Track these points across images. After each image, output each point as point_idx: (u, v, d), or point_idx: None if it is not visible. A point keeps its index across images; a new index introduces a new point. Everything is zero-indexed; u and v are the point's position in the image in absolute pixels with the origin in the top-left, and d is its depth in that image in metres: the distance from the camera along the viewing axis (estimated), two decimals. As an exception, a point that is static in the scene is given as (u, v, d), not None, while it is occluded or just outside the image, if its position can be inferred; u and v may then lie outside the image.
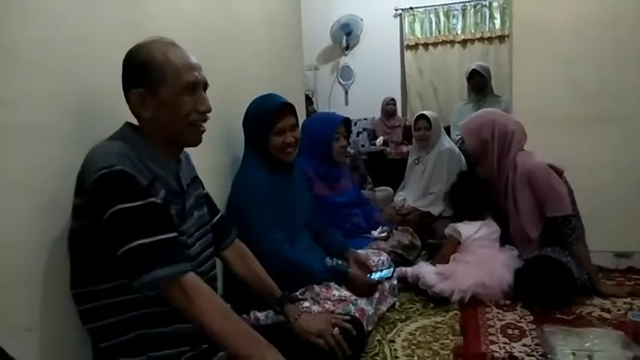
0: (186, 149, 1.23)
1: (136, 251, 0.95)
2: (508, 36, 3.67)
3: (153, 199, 1.00)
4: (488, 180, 2.29)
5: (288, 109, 1.78)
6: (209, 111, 1.15)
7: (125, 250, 0.95)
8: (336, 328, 1.35)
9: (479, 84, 3.60)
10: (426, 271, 2.16)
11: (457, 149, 3.18)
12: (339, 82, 5.66)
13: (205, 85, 1.15)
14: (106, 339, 1.06)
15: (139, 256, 0.95)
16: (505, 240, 2.29)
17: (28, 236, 1.01)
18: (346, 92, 5.66)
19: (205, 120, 1.15)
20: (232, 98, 1.89)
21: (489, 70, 3.67)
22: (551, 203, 2.12)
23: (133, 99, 1.09)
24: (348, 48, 5.51)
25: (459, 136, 3.36)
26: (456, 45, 5.37)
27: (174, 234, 1.01)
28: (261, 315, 1.56)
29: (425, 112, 3.27)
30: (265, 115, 1.73)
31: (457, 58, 5.35)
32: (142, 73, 1.08)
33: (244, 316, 1.56)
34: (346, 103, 5.62)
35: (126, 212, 0.96)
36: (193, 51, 1.18)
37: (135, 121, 1.14)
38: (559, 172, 2.19)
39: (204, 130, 1.16)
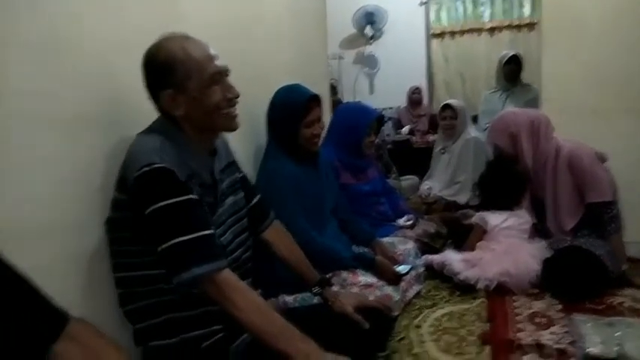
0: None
1: (175, 249, 0.98)
2: (537, 23, 3.59)
3: (191, 196, 1.03)
4: (524, 171, 2.26)
5: (316, 100, 1.79)
6: (238, 96, 1.16)
7: (164, 247, 0.98)
8: (371, 296, 1.40)
9: (514, 71, 3.53)
10: (452, 258, 2.16)
11: (483, 138, 3.15)
12: (364, 71, 5.62)
13: (227, 72, 1.16)
14: (139, 321, 1.12)
15: (177, 254, 0.98)
16: (541, 232, 2.27)
17: (69, 220, 1.06)
18: (371, 81, 5.63)
19: (234, 105, 1.16)
20: (257, 88, 1.90)
21: (523, 59, 3.60)
22: (591, 188, 2.10)
23: (164, 100, 1.10)
24: (372, 37, 5.46)
25: (488, 125, 3.33)
26: (484, 33, 5.27)
27: (211, 230, 1.04)
28: (289, 299, 1.59)
29: (450, 102, 3.25)
30: (295, 108, 1.73)
31: (484, 47, 5.25)
32: (167, 74, 1.08)
33: (272, 299, 1.60)
34: (371, 92, 5.59)
35: (165, 210, 0.99)
36: (218, 40, 1.20)
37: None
38: (602, 160, 2.16)
39: (237, 115, 1.18)
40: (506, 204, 2.29)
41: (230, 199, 1.26)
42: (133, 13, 1.28)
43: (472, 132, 3.20)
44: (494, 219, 2.25)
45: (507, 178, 2.28)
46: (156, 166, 1.00)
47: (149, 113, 1.16)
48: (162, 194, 0.99)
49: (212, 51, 1.13)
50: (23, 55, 0.95)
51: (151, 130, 1.12)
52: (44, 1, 1.00)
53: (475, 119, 3.62)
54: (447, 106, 3.18)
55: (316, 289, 1.42)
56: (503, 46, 4.80)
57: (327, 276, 1.67)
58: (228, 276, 1.02)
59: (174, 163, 1.04)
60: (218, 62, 1.13)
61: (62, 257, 1.04)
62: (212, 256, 1.01)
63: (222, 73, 1.13)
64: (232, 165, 1.32)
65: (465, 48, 5.34)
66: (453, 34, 5.37)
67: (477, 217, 2.32)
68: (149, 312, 1.10)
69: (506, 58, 3.57)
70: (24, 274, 0.72)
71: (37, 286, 0.73)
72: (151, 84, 1.12)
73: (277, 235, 1.45)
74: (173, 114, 1.12)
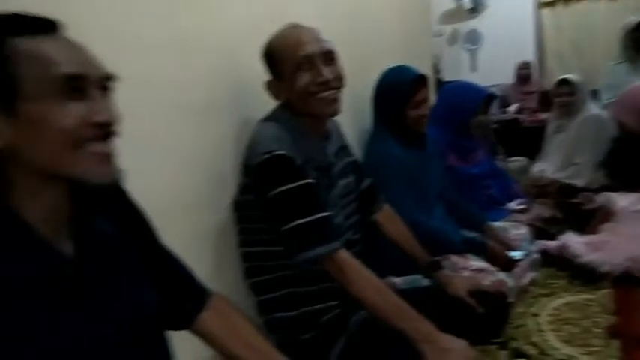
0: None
1: (296, 230, 1.04)
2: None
3: (308, 181, 1.08)
4: None
5: (423, 80, 1.75)
6: (328, 80, 1.12)
7: (286, 229, 1.05)
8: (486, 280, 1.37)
9: None
10: (573, 240, 2.03)
11: (605, 115, 2.86)
12: (465, 47, 5.37)
13: (326, 55, 1.14)
14: (262, 293, 1.20)
15: (298, 235, 1.05)
16: None
17: (199, 200, 1.16)
18: (473, 57, 5.36)
19: (330, 89, 1.13)
20: (361, 71, 1.88)
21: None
22: None
23: (269, 87, 1.19)
24: (474, 10, 5.18)
25: (610, 100, 3.02)
26: (604, -2, 4.76)
27: (328, 213, 1.08)
28: (397, 280, 1.60)
29: (567, 76, 2.99)
30: (402, 89, 1.71)
31: (604, 13, 4.74)
32: (269, 63, 1.17)
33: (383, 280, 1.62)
34: (473, 70, 5.33)
35: (285, 194, 1.05)
36: (325, 25, 1.21)
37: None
38: None
39: (335, 99, 1.15)
40: (637, 184, 2.07)
41: (342, 182, 1.29)
42: (252, 13, 1.35)
43: (592, 109, 2.92)
44: (623, 200, 2.05)
45: (638, 154, 2.06)
46: (275, 153, 1.06)
47: (270, 102, 1.22)
48: (282, 180, 1.06)
49: (309, 36, 1.13)
50: (166, 50, 1.05)
51: (269, 117, 1.20)
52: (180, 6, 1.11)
53: (594, 94, 3.30)
54: (563, 81, 2.94)
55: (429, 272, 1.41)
56: (627, 12, 4.29)
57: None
58: (345, 255, 1.06)
59: (290, 149, 1.09)
60: (311, 46, 1.12)
61: (195, 234, 1.15)
62: (330, 237, 1.05)
63: (313, 57, 1.12)
64: (345, 148, 1.35)
65: (581, 16, 4.86)
66: (566, 1, 4.91)
67: (603, 198, 2.13)
68: (272, 285, 1.18)
69: (633, 25, 3.18)
70: (174, 253, 0.81)
71: (185, 263, 0.82)
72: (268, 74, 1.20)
73: (387, 217, 1.46)
74: (279, 101, 1.18)
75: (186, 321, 0.80)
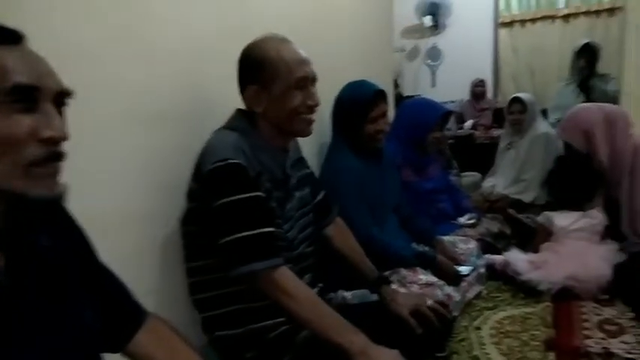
0: None
1: (236, 243, 1.03)
2: (620, 8, 3.35)
3: (258, 193, 1.07)
4: (598, 168, 2.16)
5: (381, 96, 1.79)
6: (317, 105, 1.18)
7: (227, 240, 1.03)
8: (430, 300, 1.37)
9: (589, 62, 3.33)
10: (516, 258, 2.11)
11: (554, 134, 3.00)
12: (426, 64, 5.51)
13: (314, 80, 1.19)
14: (207, 310, 1.18)
15: (239, 248, 1.03)
16: (614, 234, 2.16)
17: (147, 211, 1.15)
18: (433, 73, 5.50)
19: (313, 112, 1.19)
20: (322, 84, 1.91)
21: (599, 48, 3.39)
22: None
23: (249, 94, 1.17)
24: (436, 27, 5.33)
25: (557, 120, 3.17)
26: (558, 20, 4.99)
27: (272, 228, 1.08)
28: (347, 294, 1.62)
29: (519, 95, 3.12)
30: (360, 104, 1.74)
31: (558, 36, 4.98)
32: (257, 70, 1.15)
33: (332, 294, 1.63)
34: (433, 85, 5.47)
35: (233, 204, 1.04)
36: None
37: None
38: None
39: (313, 121, 1.20)
40: (577, 203, 2.19)
41: (298, 194, 1.29)
42: (211, 21, 1.36)
43: (542, 127, 3.06)
44: (562, 220, 2.16)
45: (580, 174, 2.18)
46: (230, 161, 1.05)
47: (224, 111, 1.22)
48: (232, 189, 1.05)
49: (305, 57, 1.17)
50: (120, 61, 1.05)
51: (228, 126, 1.19)
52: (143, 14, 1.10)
53: (544, 113, 3.46)
54: (515, 100, 3.06)
55: (374, 287, 1.42)
56: (579, 35, 4.53)
57: (386, 273, 1.68)
58: (285, 272, 1.06)
59: (246, 158, 1.09)
60: (308, 68, 1.16)
61: (138, 247, 1.13)
62: (272, 253, 1.05)
63: (308, 80, 1.16)
64: (301, 160, 1.36)
65: (536, 37, 5.09)
66: (523, 22, 5.13)
67: (542, 217, 2.23)
68: (216, 302, 1.16)
69: (580, 47, 3.37)
70: (110, 270, 0.79)
71: (122, 282, 0.80)
72: (242, 77, 1.19)
73: (338, 231, 1.47)
74: (253, 109, 1.17)
75: (120, 342, 0.76)
